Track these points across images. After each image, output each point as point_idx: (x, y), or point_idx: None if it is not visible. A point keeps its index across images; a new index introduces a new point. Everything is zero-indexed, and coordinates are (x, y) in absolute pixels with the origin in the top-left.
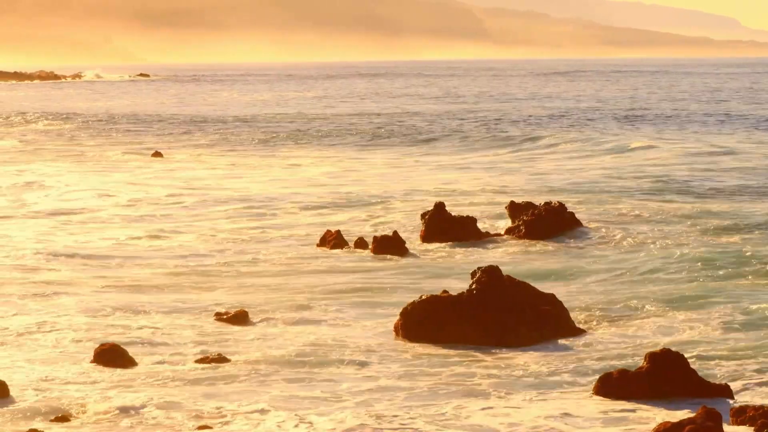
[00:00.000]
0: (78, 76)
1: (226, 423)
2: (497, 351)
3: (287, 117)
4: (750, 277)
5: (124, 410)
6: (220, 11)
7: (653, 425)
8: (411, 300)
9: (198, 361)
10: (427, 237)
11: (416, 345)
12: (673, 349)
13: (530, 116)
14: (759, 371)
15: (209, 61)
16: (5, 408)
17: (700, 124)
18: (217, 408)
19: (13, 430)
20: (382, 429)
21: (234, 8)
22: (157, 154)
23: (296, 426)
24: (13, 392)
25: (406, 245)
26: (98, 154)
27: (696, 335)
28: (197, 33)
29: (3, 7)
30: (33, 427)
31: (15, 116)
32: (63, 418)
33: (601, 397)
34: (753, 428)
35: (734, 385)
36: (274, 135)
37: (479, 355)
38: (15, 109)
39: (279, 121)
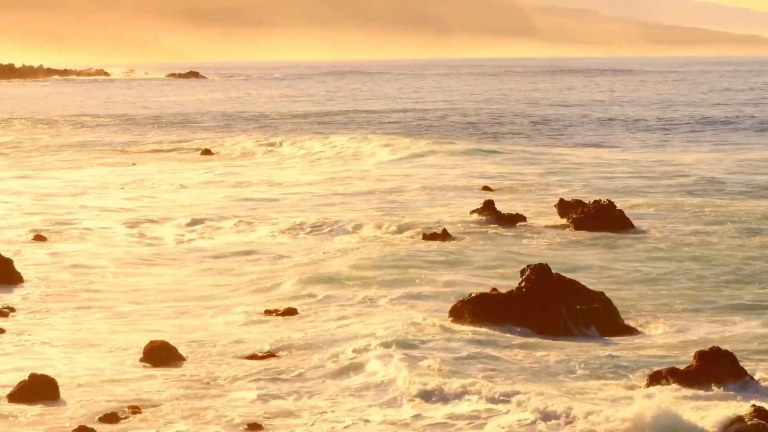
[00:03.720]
0: (131, 71)
1: (278, 420)
2: (544, 347)
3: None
4: None
5: (171, 409)
6: (268, 9)
7: (702, 423)
8: (460, 297)
9: (248, 358)
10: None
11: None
12: (723, 347)
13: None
14: None
15: (257, 59)
16: (55, 407)
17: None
18: (268, 404)
19: (62, 428)
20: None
21: (282, 6)
22: (207, 152)
23: (350, 422)
24: (62, 390)
25: (455, 242)
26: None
27: (746, 333)
28: (245, 31)
29: (55, 5)
30: (82, 424)
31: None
32: (111, 416)
33: (650, 394)
34: None
35: None
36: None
37: (526, 351)
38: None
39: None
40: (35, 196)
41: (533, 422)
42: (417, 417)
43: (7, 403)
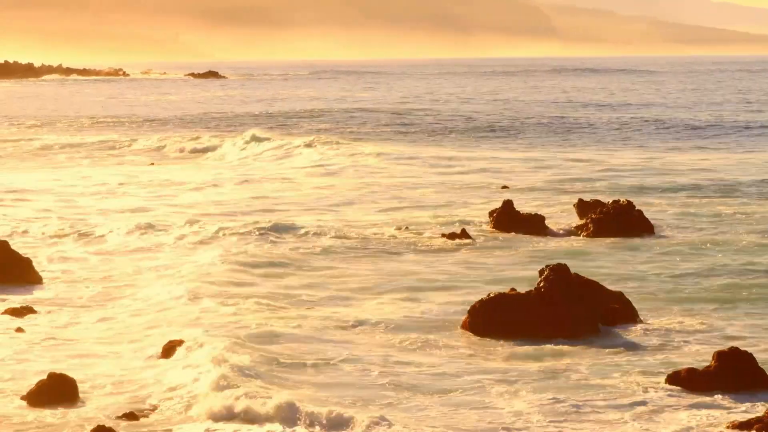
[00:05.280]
0: (149, 70)
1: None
2: (564, 347)
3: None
4: None
5: (189, 407)
6: (288, 8)
7: (721, 424)
8: (479, 297)
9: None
10: (495, 233)
11: (484, 340)
12: (742, 348)
13: None
14: None
15: (277, 58)
16: (74, 406)
17: None
18: (287, 403)
19: (81, 426)
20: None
21: (301, 5)
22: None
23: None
24: (81, 389)
25: (474, 242)
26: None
27: (765, 334)
28: (265, 30)
29: (74, 4)
30: (101, 423)
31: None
32: (130, 415)
33: (670, 395)
34: None
35: None
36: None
37: (545, 351)
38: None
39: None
40: (53, 195)
41: None
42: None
43: (27, 402)
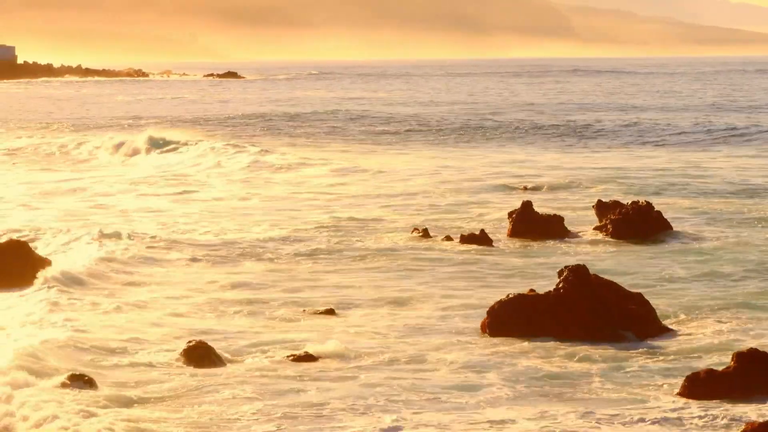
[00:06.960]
0: (168, 71)
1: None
2: (583, 349)
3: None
4: None
5: (207, 413)
6: (304, 9)
7: (741, 425)
8: (498, 298)
9: (288, 359)
10: (514, 235)
11: (502, 342)
12: (761, 349)
13: None
14: None
15: (293, 58)
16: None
17: None
18: (309, 408)
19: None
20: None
21: (318, 6)
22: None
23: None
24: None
25: (492, 244)
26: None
27: None
28: (281, 30)
29: (90, 4)
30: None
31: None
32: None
33: (689, 396)
34: None
35: None
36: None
37: (565, 353)
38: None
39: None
40: (75, 196)
41: None
42: None
43: None
